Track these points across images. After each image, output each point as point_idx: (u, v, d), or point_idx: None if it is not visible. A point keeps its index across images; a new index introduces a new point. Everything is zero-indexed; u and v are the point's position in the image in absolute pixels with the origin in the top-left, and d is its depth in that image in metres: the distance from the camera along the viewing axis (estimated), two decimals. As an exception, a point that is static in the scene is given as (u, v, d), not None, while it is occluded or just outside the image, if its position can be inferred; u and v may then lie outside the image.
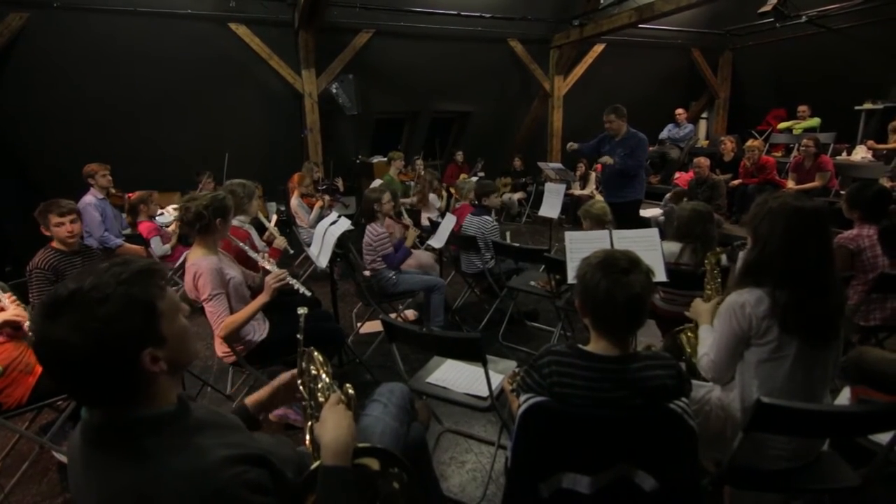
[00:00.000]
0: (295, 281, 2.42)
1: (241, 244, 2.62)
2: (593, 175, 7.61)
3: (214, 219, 2.28)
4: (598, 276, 1.26)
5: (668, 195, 6.09)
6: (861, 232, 2.58)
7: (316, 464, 1.01)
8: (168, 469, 0.81)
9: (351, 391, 1.19)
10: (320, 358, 1.28)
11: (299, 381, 1.24)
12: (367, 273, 3.57)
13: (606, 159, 4.38)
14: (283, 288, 2.30)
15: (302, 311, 1.39)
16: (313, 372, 1.25)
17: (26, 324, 2.09)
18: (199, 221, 2.25)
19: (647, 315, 1.31)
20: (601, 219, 3.24)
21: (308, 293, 2.50)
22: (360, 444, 1.10)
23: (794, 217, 1.46)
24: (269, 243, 3.32)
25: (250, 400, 1.29)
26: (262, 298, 2.27)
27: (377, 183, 6.23)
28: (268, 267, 2.40)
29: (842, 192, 5.45)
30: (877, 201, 2.59)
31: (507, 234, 4.64)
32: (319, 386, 1.20)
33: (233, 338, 2.31)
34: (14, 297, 2.21)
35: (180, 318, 0.92)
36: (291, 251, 3.49)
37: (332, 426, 1.05)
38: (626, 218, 4.39)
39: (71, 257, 2.61)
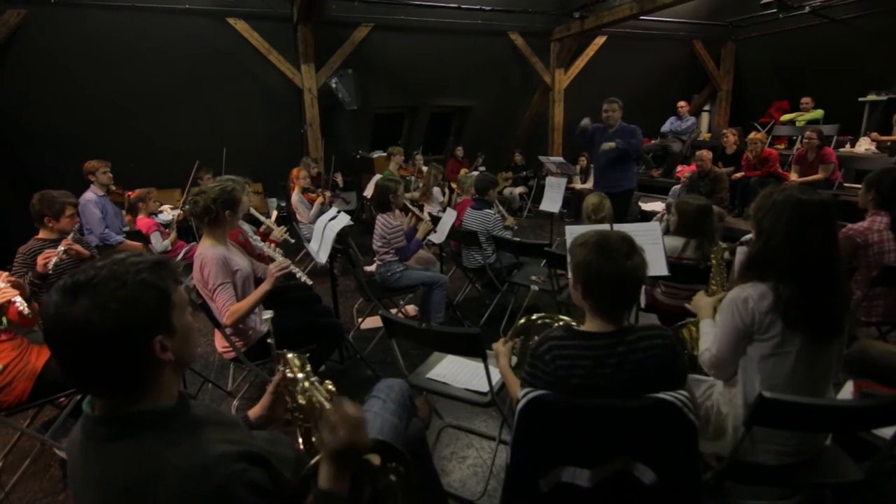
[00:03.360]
0: (297, 269, 2.45)
1: (250, 235, 2.65)
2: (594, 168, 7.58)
3: (223, 211, 2.30)
4: (592, 256, 1.31)
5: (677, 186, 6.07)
6: (871, 226, 2.53)
7: (315, 459, 0.98)
8: (168, 465, 0.81)
9: (331, 387, 1.17)
10: (296, 360, 1.26)
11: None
12: (371, 268, 3.57)
13: (609, 145, 4.42)
14: (285, 275, 2.35)
15: (268, 315, 1.38)
16: (289, 374, 1.23)
17: (17, 300, 2.08)
18: (207, 215, 2.27)
19: (639, 292, 1.37)
20: (591, 215, 3.24)
21: (309, 282, 2.57)
22: None
23: (798, 210, 1.44)
24: (265, 237, 3.32)
25: (253, 413, 1.30)
26: (264, 287, 2.29)
27: (377, 178, 6.22)
28: (272, 256, 2.44)
29: (845, 185, 5.42)
30: (894, 186, 2.54)
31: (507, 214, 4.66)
32: (298, 388, 1.18)
33: (238, 329, 2.32)
34: (6, 274, 2.22)
35: (188, 315, 0.96)
36: (292, 241, 3.48)
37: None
38: (620, 208, 4.48)
39: (56, 247, 2.64)
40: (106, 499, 0.83)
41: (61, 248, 2.51)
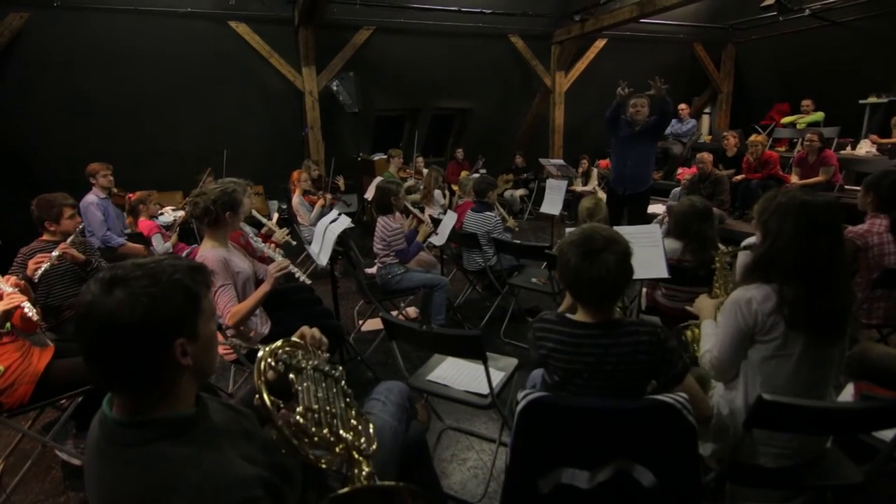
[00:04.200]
0: (297, 269, 2.46)
1: (251, 237, 2.66)
2: (595, 171, 7.59)
3: (223, 212, 2.29)
4: (571, 254, 1.35)
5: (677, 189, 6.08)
6: (871, 228, 2.53)
7: (343, 490, 0.91)
8: (183, 480, 0.81)
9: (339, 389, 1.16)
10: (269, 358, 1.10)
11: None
12: (372, 270, 3.57)
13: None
14: (284, 275, 2.35)
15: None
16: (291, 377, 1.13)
17: (25, 306, 2.07)
18: (207, 216, 2.27)
19: (619, 293, 1.39)
20: (592, 215, 3.22)
21: (308, 281, 2.57)
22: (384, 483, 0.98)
23: (804, 211, 1.44)
24: (266, 239, 3.33)
25: None
26: (264, 287, 2.29)
27: (378, 180, 6.22)
28: (272, 256, 2.44)
29: (846, 188, 5.42)
30: (894, 189, 2.53)
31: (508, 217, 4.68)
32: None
33: (239, 331, 2.33)
34: (15, 280, 2.21)
35: (213, 325, 0.97)
36: (294, 243, 3.47)
37: None
38: (642, 207, 4.48)
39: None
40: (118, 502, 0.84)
41: (55, 252, 2.50)
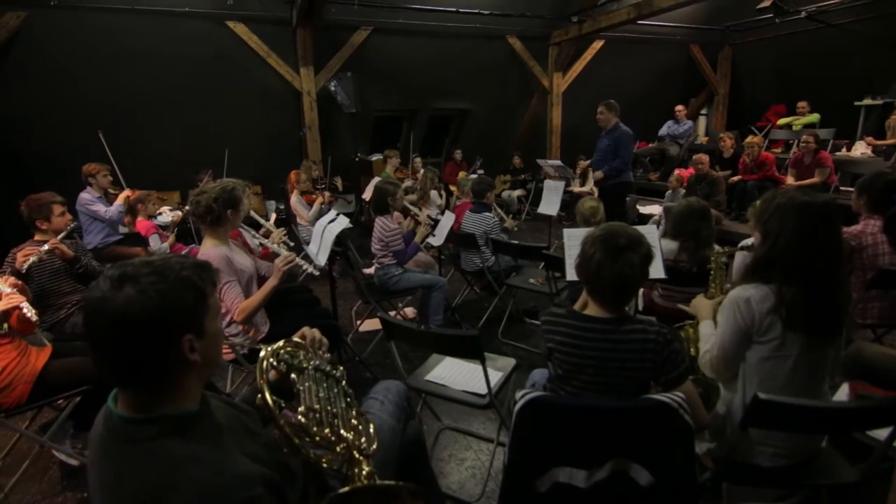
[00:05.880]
0: (304, 262, 2.46)
1: (250, 233, 2.66)
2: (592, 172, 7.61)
3: (225, 210, 2.29)
4: (595, 249, 1.36)
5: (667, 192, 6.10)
6: (865, 229, 2.55)
7: (344, 489, 0.93)
8: (186, 478, 0.81)
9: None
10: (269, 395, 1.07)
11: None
12: (370, 270, 3.57)
13: (598, 175, 4.84)
14: (291, 270, 2.36)
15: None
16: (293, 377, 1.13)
17: (24, 306, 2.06)
18: (210, 214, 2.27)
19: (635, 292, 1.43)
20: (588, 219, 3.23)
21: (316, 272, 2.58)
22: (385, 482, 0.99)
23: (804, 212, 1.45)
24: (266, 237, 3.33)
25: None
26: (271, 282, 2.29)
27: (376, 181, 6.22)
28: (277, 250, 2.45)
29: (842, 189, 5.45)
30: (887, 190, 2.54)
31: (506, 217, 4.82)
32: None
33: (241, 331, 2.34)
34: (13, 280, 2.20)
35: (219, 322, 0.99)
36: (292, 244, 3.47)
37: None
38: (611, 202, 4.65)
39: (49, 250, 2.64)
40: (119, 500, 0.84)
41: (45, 247, 2.50)
